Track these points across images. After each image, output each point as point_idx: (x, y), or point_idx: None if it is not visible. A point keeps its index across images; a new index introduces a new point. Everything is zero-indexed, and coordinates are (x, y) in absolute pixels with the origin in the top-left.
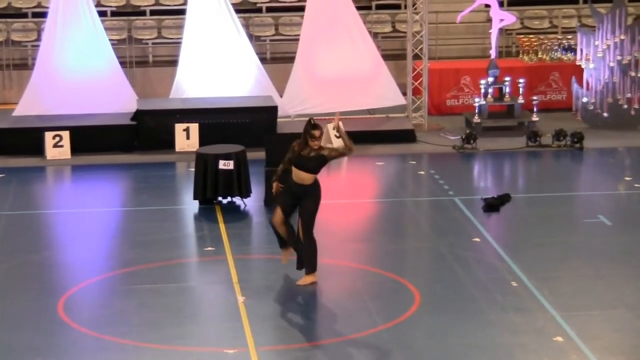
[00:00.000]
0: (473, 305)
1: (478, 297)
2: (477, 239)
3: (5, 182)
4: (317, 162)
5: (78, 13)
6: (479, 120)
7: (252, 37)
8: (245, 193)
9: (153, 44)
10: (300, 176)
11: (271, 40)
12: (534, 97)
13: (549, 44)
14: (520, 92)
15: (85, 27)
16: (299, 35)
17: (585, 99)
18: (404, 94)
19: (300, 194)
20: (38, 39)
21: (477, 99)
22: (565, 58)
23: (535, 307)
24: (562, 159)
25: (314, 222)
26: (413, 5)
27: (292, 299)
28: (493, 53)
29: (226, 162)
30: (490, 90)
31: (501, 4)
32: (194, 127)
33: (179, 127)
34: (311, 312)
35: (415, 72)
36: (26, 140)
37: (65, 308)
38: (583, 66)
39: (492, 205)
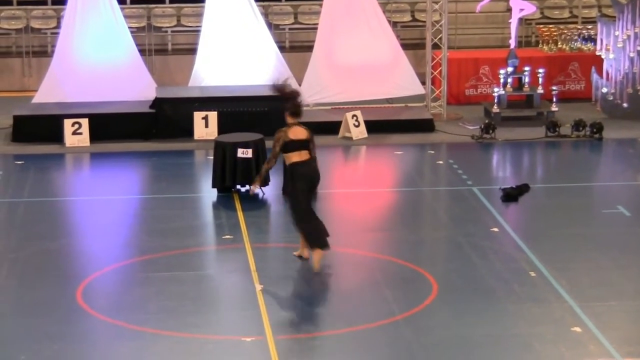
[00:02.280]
0: (491, 295)
1: (496, 287)
2: (496, 229)
3: (24, 169)
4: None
5: (97, 1)
6: (497, 110)
7: (271, 26)
8: (263, 181)
9: (172, 32)
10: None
11: (290, 29)
12: (553, 87)
13: (569, 33)
14: (540, 82)
15: (105, 14)
16: (318, 24)
17: (605, 89)
18: (423, 83)
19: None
20: (57, 26)
21: (496, 89)
22: (585, 48)
23: (553, 297)
24: (581, 149)
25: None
26: None
27: (310, 288)
28: (512, 43)
29: (245, 150)
30: (509, 80)
31: None
32: (213, 116)
33: (198, 115)
34: (329, 301)
35: (434, 62)
36: (45, 127)
37: (84, 295)
38: (603, 56)
39: (511, 195)
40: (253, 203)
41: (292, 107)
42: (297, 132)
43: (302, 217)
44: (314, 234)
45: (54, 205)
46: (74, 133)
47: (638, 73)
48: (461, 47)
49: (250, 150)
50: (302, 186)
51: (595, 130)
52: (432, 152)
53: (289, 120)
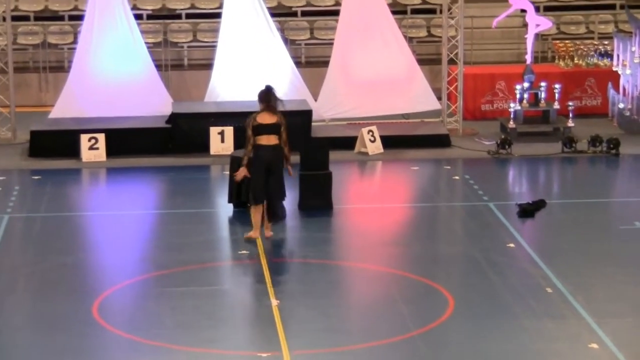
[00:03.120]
0: (507, 311)
1: (512, 303)
2: (512, 245)
3: (41, 184)
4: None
5: (114, 16)
6: (514, 126)
7: (287, 41)
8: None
9: (188, 47)
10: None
11: (306, 44)
12: (570, 103)
13: (585, 49)
14: (556, 98)
15: (121, 30)
16: (334, 39)
17: (621, 105)
18: (439, 98)
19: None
20: (74, 41)
21: (512, 104)
22: (602, 64)
23: (570, 313)
24: (598, 165)
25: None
26: (448, 10)
27: (326, 303)
28: (529, 58)
29: None
30: (525, 95)
31: (537, 9)
32: (229, 131)
33: (214, 131)
34: (345, 316)
35: (450, 77)
36: (62, 142)
37: (100, 310)
38: (619, 72)
39: (527, 211)
40: None
41: (259, 95)
42: (265, 117)
43: (253, 196)
44: (254, 216)
45: (70, 220)
46: (91, 148)
47: None
48: (477, 63)
49: None
50: (258, 169)
51: (611, 145)
52: (448, 167)
53: (260, 106)
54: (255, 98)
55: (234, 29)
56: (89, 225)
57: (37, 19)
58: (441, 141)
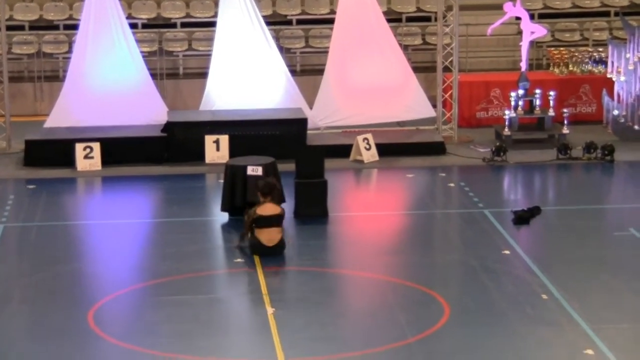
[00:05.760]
0: (503, 318)
1: (508, 310)
2: (507, 252)
3: (36, 193)
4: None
5: (109, 25)
6: (509, 133)
7: (282, 49)
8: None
9: (184, 56)
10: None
11: (301, 53)
12: (565, 110)
13: (580, 56)
14: (551, 105)
15: (116, 39)
16: (329, 47)
17: (616, 112)
18: (434, 106)
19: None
20: (69, 50)
21: (507, 112)
22: (596, 70)
23: (565, 320)
24: (593, 171)
25: None
26: (443, 18)
27: (322, 311)
28: (523, 65)
29: (255, 167)
30: (520, 102)
31: (532, 17)
32: (224, 139)
33: (209, 139)
34: (341, 324)
35: (445, 85)
36: (57, 151)
37: (96, 319)
38: (614, 79)
39: (522, 218)
40: None
41: (262, 187)
42: (267, 209)
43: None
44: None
45: (65, 229)
46: (86, 157)
47: None
48: (472, 70)
49: (260, 168)
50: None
51: (606, 152)
52: (444, 174)
53: (261, 198)
54: (251, 106)
55: (229, 37)
56: (85, 235)
57: (31, 28)
58: (436, 149)
